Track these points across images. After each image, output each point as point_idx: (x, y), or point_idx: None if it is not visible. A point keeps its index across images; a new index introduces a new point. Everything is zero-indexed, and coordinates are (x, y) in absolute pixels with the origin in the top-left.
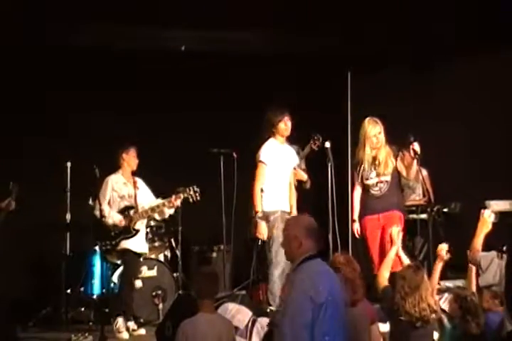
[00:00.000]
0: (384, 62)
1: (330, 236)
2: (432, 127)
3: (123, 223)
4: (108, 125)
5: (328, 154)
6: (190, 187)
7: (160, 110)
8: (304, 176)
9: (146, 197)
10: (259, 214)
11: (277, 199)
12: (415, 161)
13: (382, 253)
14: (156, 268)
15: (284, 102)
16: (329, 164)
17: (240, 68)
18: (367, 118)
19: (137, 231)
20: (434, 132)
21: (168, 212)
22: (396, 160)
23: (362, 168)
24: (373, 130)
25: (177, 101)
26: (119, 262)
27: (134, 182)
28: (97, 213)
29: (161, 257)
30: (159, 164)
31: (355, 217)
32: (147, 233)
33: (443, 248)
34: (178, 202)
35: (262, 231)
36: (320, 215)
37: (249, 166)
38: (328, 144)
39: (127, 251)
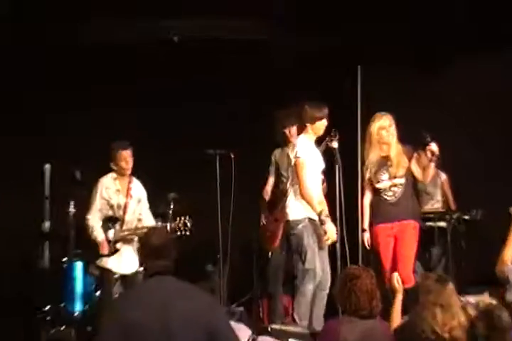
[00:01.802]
0: (396, 58)
1: (338, 246)
2: (450, 126)
3: (105, 249)
4: (87, 124)
5: (336, 155)
6: (182, 218)
7: (151, 107)
8: None
9: (138, 208)
10: (323, 213)
11: (306, 204)
12: (432, 164)
13: (395, 264)
14: None
15: (292, 100)
16: (337, 166)
17: (241, 63)
18: (375, 114)
19: (116, 250)
20: (453, 131)
21: None
22: (410, 161)
23: (371, 169)
24: (383, 122)
25: (170, 98)
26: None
27: (128, 189)
28: (87, 221)
29: None
30: (150, 165)
31: (366, 226)
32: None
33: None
34: None
35: (333, 228)
36: None
37: (248, 168)
38: (335, 144)
39: (105, 270)
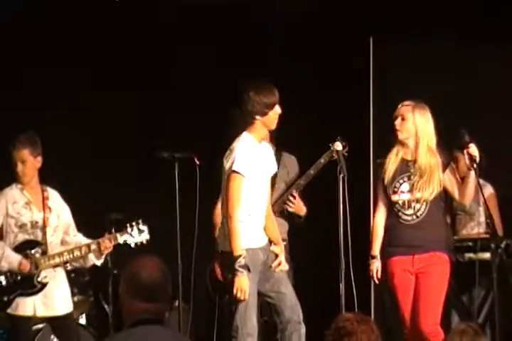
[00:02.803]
0: (421, 26)
1: (341, 286)
2: (500, 121)
3: (26, 266)
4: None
5: (340, 160)
6: (133, 223)
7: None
8: (303, 209)
9: (61, 226)
10: (241, 261)
11: (249, 230)
12: (473, 173)
13: (416, 312)
14: None
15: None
16: (341, 176)
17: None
18: None
19: (43, 284)
20: (504, 129)
21: (94, 260)
22: (444, 171)
23: (388, 174)
24: (399, 112)
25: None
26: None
27: (44, 199)
28: None
29: (83, 319)
30: (83, 174)
31: (376, 251)
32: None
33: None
34: (111, 247)
35: (244, 287)
36: (326, 252)
37: (218, 177)
38: (339, 146)
39: (20, 319)
